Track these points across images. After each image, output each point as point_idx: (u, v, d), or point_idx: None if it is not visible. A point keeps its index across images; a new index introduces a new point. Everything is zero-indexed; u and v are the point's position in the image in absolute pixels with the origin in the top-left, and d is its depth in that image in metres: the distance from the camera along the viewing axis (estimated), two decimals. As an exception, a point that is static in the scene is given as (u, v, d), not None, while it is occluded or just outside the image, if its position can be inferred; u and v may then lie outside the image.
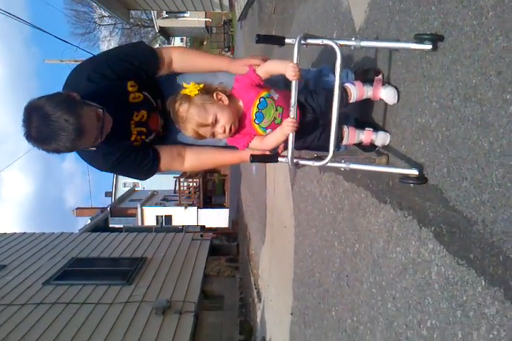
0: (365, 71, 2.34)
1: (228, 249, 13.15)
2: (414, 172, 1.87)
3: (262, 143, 2.14)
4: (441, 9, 1.79)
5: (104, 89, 2.11)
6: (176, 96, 2.08)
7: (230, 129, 2.06)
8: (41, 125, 1.84)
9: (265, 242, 7.33)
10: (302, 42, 1.93)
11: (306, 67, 2.68)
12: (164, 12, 20.67)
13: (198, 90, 2.04)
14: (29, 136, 1.89)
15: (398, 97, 2.11)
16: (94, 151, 2.13)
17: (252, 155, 2.07)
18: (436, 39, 1.77)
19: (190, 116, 2.02)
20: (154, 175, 2.43)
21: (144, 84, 2.25)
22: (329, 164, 1.97)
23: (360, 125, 2.23)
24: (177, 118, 2.07)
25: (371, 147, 2.27)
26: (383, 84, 2.16)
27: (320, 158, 2.01)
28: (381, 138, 2.19)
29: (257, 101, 2.06)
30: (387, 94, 2.13)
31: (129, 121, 2.19)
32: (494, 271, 1.43)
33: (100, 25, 39.31)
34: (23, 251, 11.39)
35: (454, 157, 1.68)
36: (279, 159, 2.12)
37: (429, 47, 1.78)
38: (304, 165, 2.12)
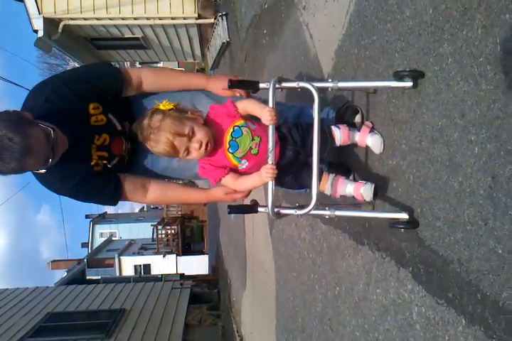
0: (346, 109, 2.32)
1: (209, 296, 12.90)
2: (404, 216, 1.79)
3: (236, 184, 2.02)
4: (404, 56, 1.87)
5: (63, 110, 1.99)
6: (143, 116, 1.94)
7: (206, 147, 1.91)
8: None
9: (246, 288, 7.23)
10: (277, 86, 1.88)
11: (285, 102, 2.64)
12: (137, 63, 20.97)
13: (173, 106, 1.93)
14: None
15: (384, 146, 2.06)
16: (52, 174, 2.02)
17: (229, 206, 1.98)
18: (416, 76, 1.74)
19: (165, 124, 1.86)
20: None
21: (110, 106, 2.13)
22: (313, 212, 1.87)
23: (336, 169, 2.21)
24: (148, 131, 1.90)
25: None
26: (370, 131, 2.10)
27: (302, 206, 1.91)
28: (366, 191, 2.05)
29: (231, 130, 1.95)
30: (373, 142, 2.07)
31: (89, 144, 2.07)
32: (473, 310, 1.45)
33: (73, 76, 39.57)
34: (-4, 309, 10.98)
35: (426, 197, 1.72)
36: (259, 209, 2.00)
37: (409, 84, 1.77)
38: (285, 215, 1.98)
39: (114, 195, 2.17)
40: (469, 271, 1.46)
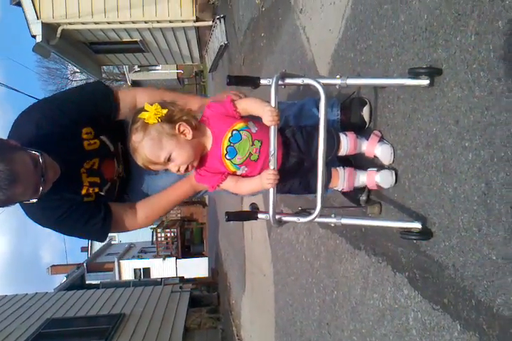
0: (352, 101, 2.18)
1: (209, 299, 12.88)
2: (417, 225, 1.65)
3: (236, 187, 1.87)
4: (399, 61, 1.87)
5: (55, 135, 1.87)
6: (135, 116, 1.77)
7: (186, 169, 1.79)
8: None
9: (246, 291, 7.22)
10: (280, 82, 1.73)
11: (286, 100, 2.51)
12: (136, 66, 20.99)
13: (159, 118, 1.72)
14: None
15: (394, 157, 1.93)
16: (35, 205, 1.81)
17: (227, 213, 1.86)
18: (433, 73, 1.61)
19: (141, 149, 1.73)
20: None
21: (102, 128, 2.02)
22: (317, 219, 1.73)
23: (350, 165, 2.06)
24: (129, 147, 1.79)
25: (360, 200, 2.09)
26: (379, 141, 1.96)
27: (305, 212, 1.81)
28: (386, 179, 1.91)
29: (229, 134, 1.78)
30: (382, 152, 1.92)
31: (79, 169, 1.94)
32: (468, 316, 1.45)
33: (72, 81, 39.56)
34: (-5, 316, 10.95)
35: (421, 203, 1.72)
36: (259, 216, 1.85)
37: (425, 82, 1.63)
38: (287, 222, 1.85)
39: (103, 227, 2.01)
40: (464, 277, 1.47)
